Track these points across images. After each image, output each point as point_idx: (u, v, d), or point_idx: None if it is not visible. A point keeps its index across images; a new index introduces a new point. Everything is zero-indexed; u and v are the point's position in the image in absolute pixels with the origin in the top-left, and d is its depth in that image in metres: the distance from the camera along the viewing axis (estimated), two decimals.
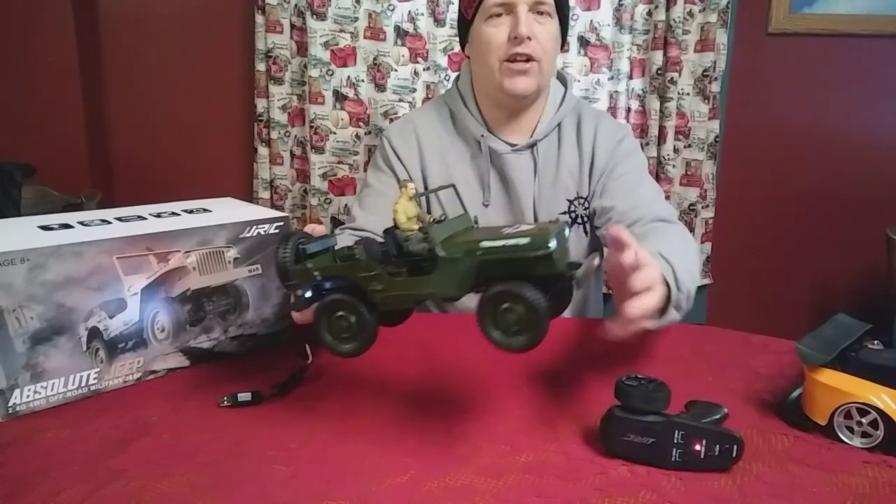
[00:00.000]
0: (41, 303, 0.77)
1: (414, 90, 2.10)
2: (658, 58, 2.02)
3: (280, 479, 0.67)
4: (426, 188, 1.22)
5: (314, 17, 2.02)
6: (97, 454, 0.71)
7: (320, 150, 2.12)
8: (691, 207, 2.16)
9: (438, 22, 2.03)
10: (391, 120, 2.10)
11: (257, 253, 0.96)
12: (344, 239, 1.13)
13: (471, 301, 0.67)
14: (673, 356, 0.98)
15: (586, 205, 1.21)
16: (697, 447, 0.68)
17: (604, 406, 0.73)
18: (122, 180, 2.34)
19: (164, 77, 2.26)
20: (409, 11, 2.04)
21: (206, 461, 0.69)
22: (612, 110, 2.09)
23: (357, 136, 2.13)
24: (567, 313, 0.90)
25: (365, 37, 2.06)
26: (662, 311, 0.83)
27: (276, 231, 0.97)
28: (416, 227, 0.74)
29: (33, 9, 2.14)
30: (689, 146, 2.12)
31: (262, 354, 0.97)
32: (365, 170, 2.02)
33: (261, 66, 2.11)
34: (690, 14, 2.03)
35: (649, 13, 2.02)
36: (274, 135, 2.16)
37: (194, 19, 2.22)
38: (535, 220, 1.20)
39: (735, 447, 0.68)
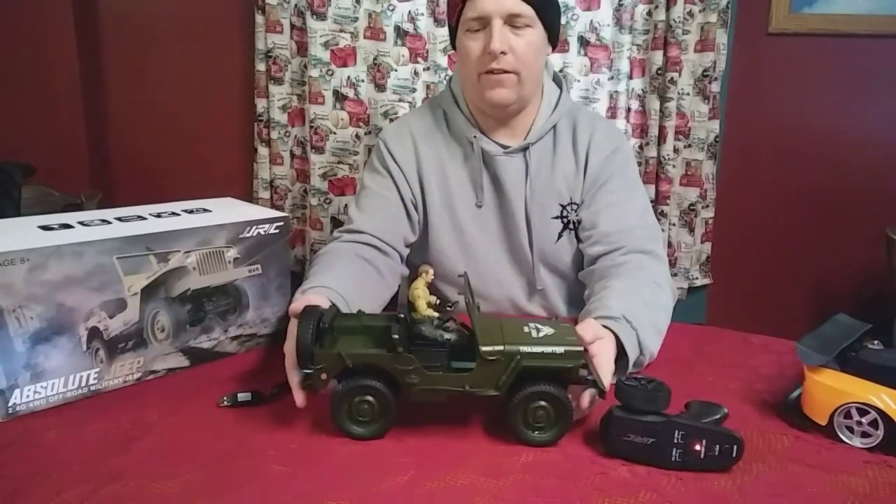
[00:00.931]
0: (41, 303, 0.77)
1: (414, 90, 2.10)
2: (658, 58, 2.02)
3: (280, 479, 0.67)
4: (422, 189, 1.21)
5: (314, 17, 2.02)
6: (97, 454, 0.71)
7: (320, 150, 2.12)
8: (691, 207, 2.16)
9: (438, 22, 2.03)
10: (391, 120, 2.10)
11: (257, 253, 0.96)
12: (345, 249, 1.13)
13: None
14: (673, 356, 0.98)
15: (578, 210, 1.21)
16: (697, 447, 0.68)
17: (604, 406, 0.73)
18: (122, 180, 2.34)
19: (164, 77, 2.26)
20: (409, 11, 2.04)
21: (206, 461, 0.69)
22: (612, 110, 2.08)
23: (357, 136, 2.13)
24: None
25: (365, 37, 2.06)
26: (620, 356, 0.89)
27: (277, 231, 0.97)
28: (433, 313, 0.77)
29: (33, 9, 2.14)
30: (689, 146, 2.12)
31: (262, 354, 0.97)
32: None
33: (261, 66, 2.11)
34: (690, 14, 2.03)
35: (649, 13, 2.02)
36: (274, 135, 2.16)
37: (194, 19, 2.22)
38: (527, 222, 1.19)
39: (735, 447, 0.68)
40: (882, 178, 2.19)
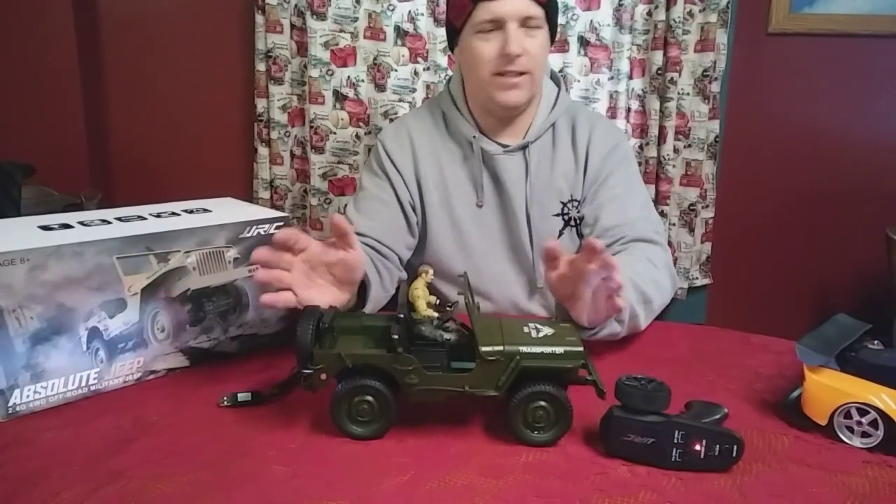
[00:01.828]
0: (41, 303, 0.77)
1: (414, 90, 2.10)
2: (658, 58, 2.02)
3: (280, 479, 0.67)
4: (420, 190, 1.22)
5: (314, 17, 2.02)
6: (97, 454, 0.71)
7: (320, 150, 2.12)
8: (691, 207, 2.16)
9: (438, 22, 2.03)
10: (391, 120, 2.10)
11: None
12: None
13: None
14: (673, 356, 0.98)
15: (579, 207, 1.21)
16: (697, 447, 0.68)
17: (604, 406, 0.73)
18: (122, 180, 2.34)
19: (164, 77, 2.26)
20: (409, 11, 2.04)
21: (206, 461, 0.69)
22: (612, 110, 2.08)
23: (357, 136, 2.13)
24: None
25: (365, 37, 2.06)
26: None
27: (277, 231, 0.97)
28: (433, 313, 0.77)
29: (33, 9, 2.14)
30: (689, 146, 2.12)
31: (262, 354, 0.97)
32: None
33: (261, 66, 2.11)
34: (690, 14, 2.03)
35: (649, 13, 2.02)
36: (274, 135, 2.16)
37: (194, 19, 2.22)
38: (528, 220, 1.19)
39: (735, 447, 0.68)
40: (882, 178, 2.19)
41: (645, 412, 0.69)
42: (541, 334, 0.75)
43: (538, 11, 1.09)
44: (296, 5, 2.06)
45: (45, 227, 0.85)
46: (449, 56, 2.06)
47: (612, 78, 2.07)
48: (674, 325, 1.04)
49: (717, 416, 0.74)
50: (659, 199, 2.12)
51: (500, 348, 0.72)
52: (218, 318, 0.94)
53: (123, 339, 0.85)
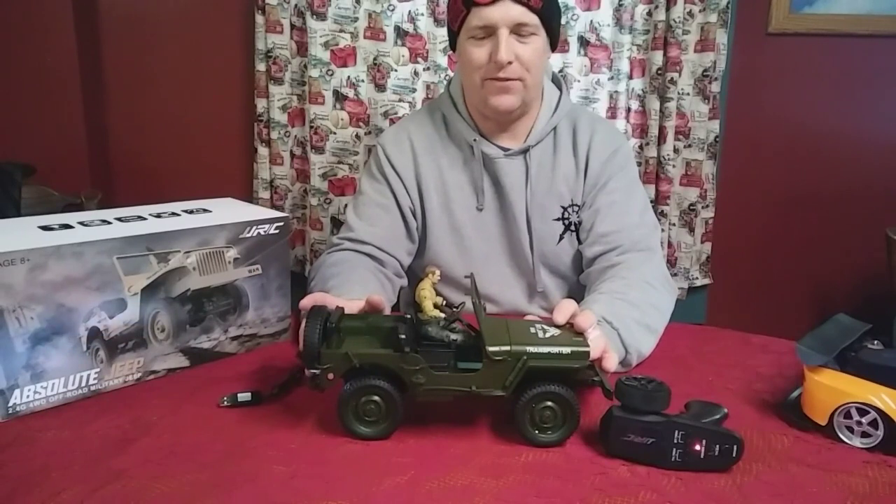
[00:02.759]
0: (41, 303, 0.77)
1: (414, 90, 2.09)
2: (658, 58, 2.02)
3: (280, 479, 0.67)
4: (420, 194, 1.21)
5: (314, 17, 2.02)
6: (97, 454, 0.71)
7: (320, 150, 2.12)
8: (691, 207, 2.16)
9: (438, 22, 2.03)
10: (391, 120, 2.10)
11: (257, 253, 0.96)
12: (355, 260, 1.13)
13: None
14: (673, 356, 0.98)
15: (579, 212, 1.21)
16: (697, 447, 0.68)
17: (604, 406, 0.73)
18: (122, 180, 2.34)
19: (164, 77, 2.26)
20: (409, 11, 2.04)
21: (206, 461, 0.69)
22: (612, 110, 2.08)
23: (357, 136, 2.13)
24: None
25: (365, 37, 2.06)
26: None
27: (277, 231, 0.97)
28: (440, 313, 0.77)
29: (33, 9, 2.14)
30: (689, 146, 2.12)
31: (262, 354, 0.97)
32: None
33: (261, 66, 2.11)
34: (690, 14, 2.03)
35: (649, 13, 2.02)
36: (274, 135, 2.16)
37: (194, 19, 2.22)
38: (528, 225, 1.19)
39: (735, 447, 0.68)
40: (882, 178, 2.19)
41: (645, 412, 0.69)
42: (547, 335, 0.75)
43: (531, 18, 1.07)
44: (296, 5, 2.06)
45: (45, 227, 0.85)
46: (449, 56, 2.06)
47: (612, 78, 2.07)
48: (674, 325, 1.04)
49: (717, 416, 0.74)
50: (659, 199, 2.12)
51: (507, 348, 0.72)
52: (218, 318, 0.94)
53: (123, 339, 0.85)
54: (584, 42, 2.05)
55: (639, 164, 2.10)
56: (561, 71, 2.04)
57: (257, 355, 0.97)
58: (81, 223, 0.88)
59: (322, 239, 2.17)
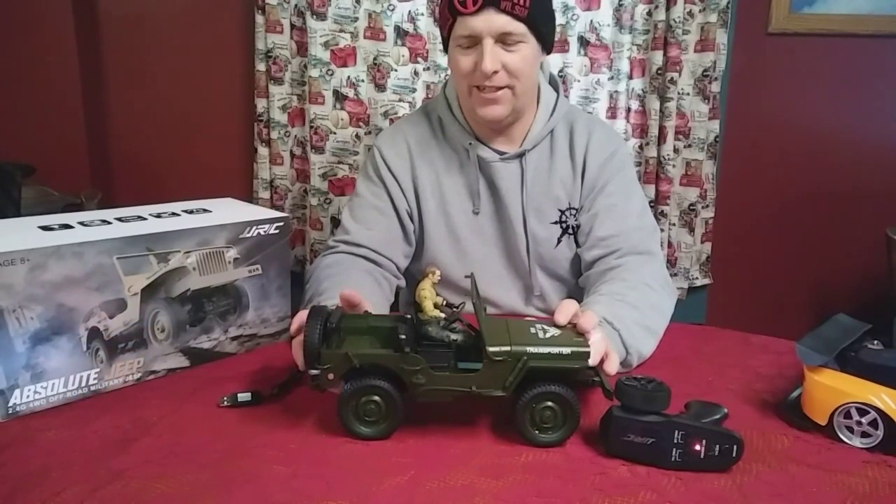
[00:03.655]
0: (41, 303, 0.77)
1: (414, 90, 2.09)
2: (658, 58, 2.02)
3: (280, 479, 0.67)
4: (417, 197, 1.21)
5: (314, 17, 2.02)
6: (97, 454, 0.71)
7: (320, 150, 2.12)
8: (691, 207, 2.16)
9: (438, 21, 2.03)
10: (391, 120, 2.10)
11: (257, 253, 0.96)
12: (350, 262, 1.13)
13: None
14: (673, 356, 0.98)
15: (577, 215, 1.20)
16: (697, 447, 0.68)
17: (604, 406, 0.73)
18: (122, 180, 2.34)
19: (164, 77, 2.26)
20: (409, 11, 2.04)
21: (206, 461, 0.70)
22: (612, 110, 2.08)
23: (357, 136, 2.13)
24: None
25: (365, 37, 2.06)
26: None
27: (277, 231, 0.97)
28: (440, 313, 0.77)
29: (33, 9, 2.14)
30: (689, 146, 2.12)
31: (262, 354, 0.97)
32: None
33: (261, 66, 2.11)
34: (690, 14, 2.03)
35: (649, 13, 2.02)
36: (274, 135, 2.16)
37: (194, 19, 2.22)
38: (525, 228, 1.19)
39: (735, 447, 0.68)
40: (882, 178, 2.19)
41: (645, 412, 0.69)
42: (548, 335, 0.75)
43: (517, 27, 1.05)
44: (296, 5, 2.06)
45: (45, 227, 0.85)
46: None
47: (612, 78, 2.07)
48: (674, 325, 1.04)
49: (717, 416, 0.74)
50: (659, 199, 2.12)
51: (508, 349, 0.72)
52: (218, 318, 0.94)
53: (123, 339, 0.85)
54: (584, 42, 2.05)
55: (638, 164, 2.10)
56: (561, 71, 2.04)
57: (257, 355, 0.97)
58: (81, 223, 0.88)
59: (322, 239, 2.17)
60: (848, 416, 0.74)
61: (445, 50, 1.18)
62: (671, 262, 2.18)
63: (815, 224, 2.27)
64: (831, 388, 0.74)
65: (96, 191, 2.09)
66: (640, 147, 2.11)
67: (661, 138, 2.08)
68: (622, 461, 0.70)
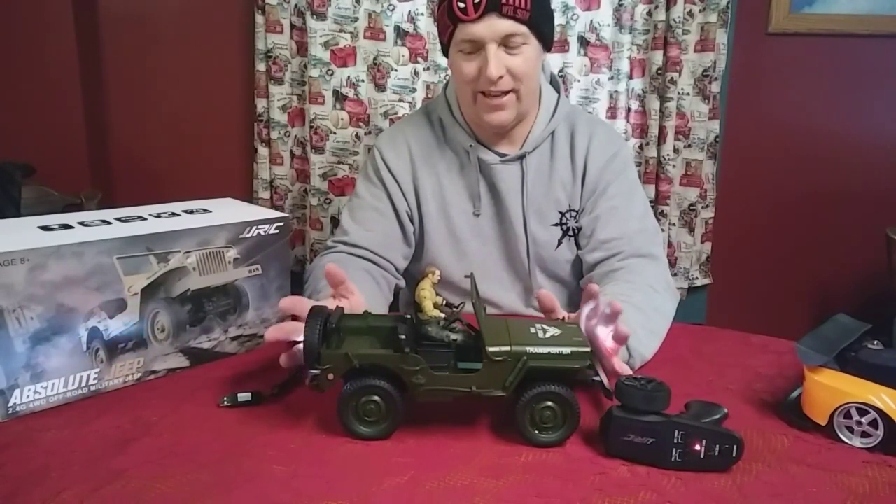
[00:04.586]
0: (41, 303, 0.77)
1: (414, 90, 2.10)
2: (658, 58, 2.02)
3: (280, 479, 0.67)
4: (417, 199, 1.21)
5: (314, 17, 2.02)
6: (97, 454, 0.71)
7: (320, 150, 2.12)
8: (691, 207, 2.16)
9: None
10: (391, 120, 2.10)
11: (257, 253, 0.96)
12: (349, 262, 1.13)
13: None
14: (673, 356, 0.98)
15: (578, 217, 1.20)
16: (697, 447, 0.68)
17: (604, 406, 0.73)
18: (122, 180, 2.34)
19: (164, 77, 2.26)
20: (409, 11, 2.04)
21: (206, 461, 0.69)
22: (612, 110, 2.08)
23: (357, 136, 2.13)
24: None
25: (365, 37, 2.06)
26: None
27: (277, 231, 0.97)
28: (440, 313, 0.77)
29: (33, 9, 2.14)
30: (689, 146, 2.12)
31: (262, 354, 0.97)
32: None
33: (261, 66, 2.11)
34: (690, 14, 2.03)
35: (649, 13, 2.02)
36: (274, 135, 2.16)
37: (194, 19, 2.22)
38: (525, 230, 1.19)
39: (735, 447, 0.68)
40: (882, 178, 2.19)
41: (645, 412, 0.69)
42: (548, 335, 0.75)
43: (520, 29, 1.05)
44: (296, 5, 2.06)
45: (45, 227, 0.85)
46: None
47: (612, 78, 2.07)
48: (674, 325, 1.04)
49: (717, 416, 0.74)
50: (659, 199, 2.12)
51: (508, 349, 0.72)
52: (218, 318, 0.94)
53: (123, 339, 0.85)
54: (584, 42, 2.05)
55: (639, 164, 2.10)
56: (561, 71, 2.04)
57: (257, 355, 0.97)
58: (81, 223, 0.88)
59: (322, 239, 2.17)
60: (848, 416, 0.74)
61: (445, 55, 1.18)
62: (671, 262, 2.18)
63: (815, 224, 2.27)
64: (831, 388, 0.74)
65: (96, 191, 2.09)
66: (640, 147, 2.11)
67: (661, 138, 2.08)
68: (622, 461, 0.70)
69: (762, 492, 0.65)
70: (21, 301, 0.76)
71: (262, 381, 0.87)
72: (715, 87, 2.07)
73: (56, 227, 0.85)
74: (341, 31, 2.05)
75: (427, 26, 2.05)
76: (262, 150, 2.18)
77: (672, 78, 2.03)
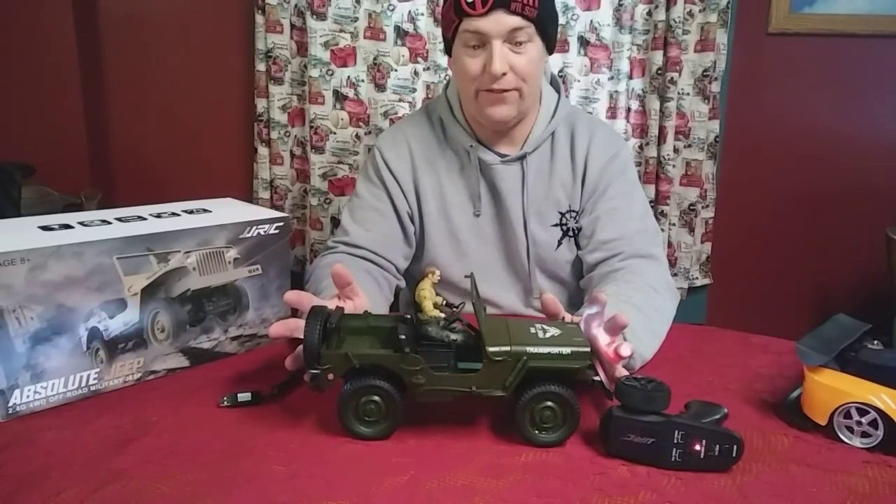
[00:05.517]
0: (41, 303, 0.77)
1: (414, 90, 2.10)
2: (658, 58, 2.02)
3: (280, 479, 0.67)
4: (418, 199, 1.21)
5: (314, 17, 2.02)
6: (97, 454, 0.71)
7: (320, 150, 2.12)
8: (691, 207, 2.16)
9: (438, 22, 2.03)
10: (391, 120, 2.10)
11: (257, 253, 0.96)
12: (349, 262, 1.13)
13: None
14: (673, 356, 0.98)
15: (577, 218, 1.20)
16: (697, 447, 0.68)
17: (604, 406, 0.73)
18: (122, 180, 2.34)
19: (164, 77, 2.26)
20: (409, 11, 2.04)
21: (206, 461, 0.69)
22: (612, 110, 2.09)
23: (357, 136, 2.13)
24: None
25: (365, 37, 2.06)
26: None
27: (277, 231, 0.97)
28: (440, 313, 0.77)
29: (33, 9, 2.14)
30: (689, 146, 2.12)
31: (262, 355, 0.97)
32: None
33: (261, 66, 2.11)
34: (690, 14, 2.03)
35: (649, 13, 2.02)
36: (274, 135, 2.16)
37: (194, 19, 2.22)
38: (525, 231, 1.19)
39: (735, 447, 0.68)
40: (882, 178, 2.19)
41: (645, 412, 0.69)
42: (548, 335, 0.75)
43: (525, 25, 1.05)
44: (296, 5, 2.06)
45: (45, 227, 0.85)
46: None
47: (612, 78, 2.07)
48: (674, 325, 1.04)
49: (717, 416, 0.74)
50: (659, 199, 2.12)
51: (508, 349, 0.72)
52: (218, 318, 0.94)
53: (123, 339, 0.85)
54: (584, 42, 2.05)
55: (639, 164, 2.10)
56: (561, 71, 2.04)
57: (257, 355, 0.97)
58: (81, 223, 0.88)
59: (322, 239, 2.17)
60: (848, 416, 0.74)
61: (447, 52, 1.18)
62: (671, 262, 2.18)
63: (815, 224, 2.27)
64: (831, 388, 0.74)
65: (96, 191, 2.09)
66: (640, 147, 2.11)
67: (661, 138, 2.08)
68: (622, 461, 0.70)
69: (762, 492, 0.65)
70: (21, 301, 0.76)
71: (262, 381, 0.87)
72: (715, 87, 2.07)
73: (56, 227, 0.85)
74: (341, 31, 2.05)
75: (427, 26, 2.05)
76: (262, 150, 2.18)
77: (672, 78, 2.03)
